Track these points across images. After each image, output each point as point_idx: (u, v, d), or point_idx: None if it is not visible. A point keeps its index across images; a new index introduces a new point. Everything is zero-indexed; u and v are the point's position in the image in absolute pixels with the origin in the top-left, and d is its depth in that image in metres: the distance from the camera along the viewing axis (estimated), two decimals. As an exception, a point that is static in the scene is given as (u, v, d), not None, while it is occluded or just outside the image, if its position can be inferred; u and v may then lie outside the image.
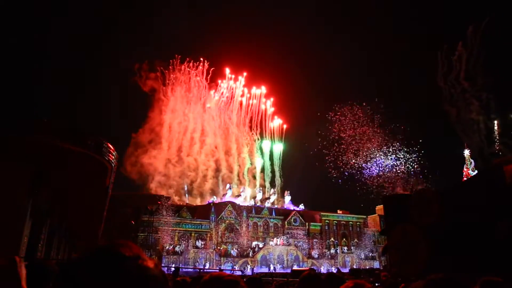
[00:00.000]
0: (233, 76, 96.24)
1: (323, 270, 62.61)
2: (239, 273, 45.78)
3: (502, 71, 75.97)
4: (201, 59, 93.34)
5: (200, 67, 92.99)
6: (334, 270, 56.58)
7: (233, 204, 71.48)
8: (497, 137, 75.35)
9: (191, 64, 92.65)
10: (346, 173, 71.32)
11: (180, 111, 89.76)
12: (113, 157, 13.22)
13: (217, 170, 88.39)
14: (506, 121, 75.94)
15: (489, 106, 78.63)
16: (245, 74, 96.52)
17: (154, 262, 1.23)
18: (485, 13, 79.62)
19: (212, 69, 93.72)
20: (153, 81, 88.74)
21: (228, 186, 80.00)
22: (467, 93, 79.96)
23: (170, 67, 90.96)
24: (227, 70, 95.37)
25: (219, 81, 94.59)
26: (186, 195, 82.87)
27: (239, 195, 78.12)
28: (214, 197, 78.00)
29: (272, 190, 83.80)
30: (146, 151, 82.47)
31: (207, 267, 57.41)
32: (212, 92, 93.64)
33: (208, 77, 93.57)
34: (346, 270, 56.18)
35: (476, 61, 78.36)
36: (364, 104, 74.42)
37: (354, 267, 66.00)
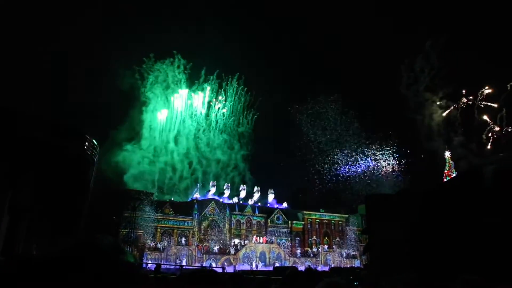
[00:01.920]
0: (214, 77, 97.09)
1: (302, 268, 62.84)
2: (217, 270, 45.52)
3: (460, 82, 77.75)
4: (174, 51, 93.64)
5: (177, 63, 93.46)
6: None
7: (216, 201, 71.34)
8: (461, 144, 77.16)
9: (167, 62, 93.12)
10: (333, 180, 72.09)
11: (159, 109, 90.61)
12: (95, 152, 13.08)
13: (192, 169, 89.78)
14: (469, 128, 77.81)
15: (450, 113, 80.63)
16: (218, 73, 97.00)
17: (132, 256, 1.23)
18: (441, 27, 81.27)
19: (189, 64, 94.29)
20: (130, 78, 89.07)
21: (211, 183, 79.76)
22: (429, 101, 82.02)
23: (143, 65, 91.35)
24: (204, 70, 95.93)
25: (196, 82, 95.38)
26: (169, 193, 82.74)
27: (222, 193, 77.93)
28: (198, 194, 77.67)
29: (256, 188, 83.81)
30: (123, 148, 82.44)
31: (185, 263, 57.19)
32: (186, 92, 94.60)
33: (186, 72, 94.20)
34: (326, 269, 56.64)
35: (435, 73, 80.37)
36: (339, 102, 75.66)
37: (333, 265, 66.58)
